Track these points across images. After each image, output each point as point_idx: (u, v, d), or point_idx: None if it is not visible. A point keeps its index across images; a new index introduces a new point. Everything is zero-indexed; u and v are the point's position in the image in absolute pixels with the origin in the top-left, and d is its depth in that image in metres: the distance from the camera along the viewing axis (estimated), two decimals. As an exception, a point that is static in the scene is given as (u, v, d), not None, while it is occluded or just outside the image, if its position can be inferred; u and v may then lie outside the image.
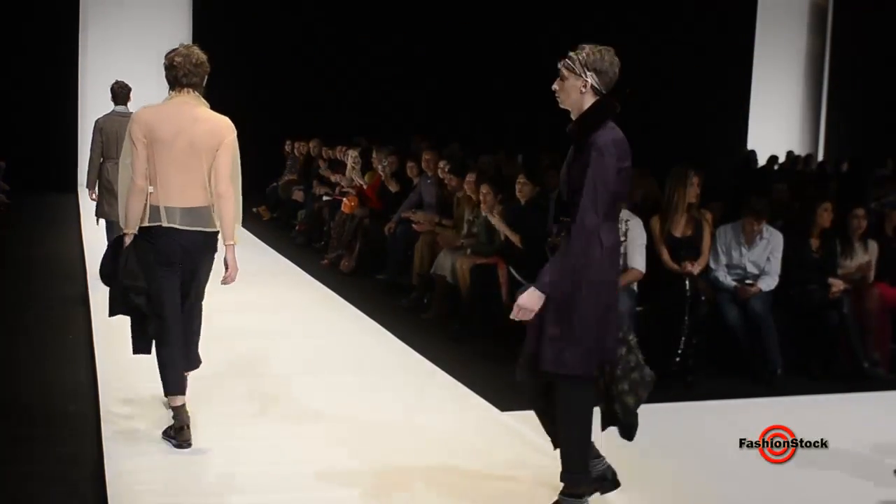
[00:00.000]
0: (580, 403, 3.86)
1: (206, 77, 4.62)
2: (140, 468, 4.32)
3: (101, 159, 7.74)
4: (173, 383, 4.60)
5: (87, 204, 11.94)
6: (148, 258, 4.46)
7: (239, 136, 4.56)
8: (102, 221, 7.90)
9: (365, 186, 10.13)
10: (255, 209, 13.12)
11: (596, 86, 3.82)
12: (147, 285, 4.43)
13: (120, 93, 7.90)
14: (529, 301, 3.83)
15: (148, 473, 4.28)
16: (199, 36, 15.84)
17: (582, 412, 3.87)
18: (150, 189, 4.43)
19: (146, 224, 4.47)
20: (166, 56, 4.62)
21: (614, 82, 3.86)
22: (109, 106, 7.96)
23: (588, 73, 3.81)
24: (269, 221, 12.79)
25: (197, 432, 4.67)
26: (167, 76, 4.61)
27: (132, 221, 4.47)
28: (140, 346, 4.69)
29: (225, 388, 5.50)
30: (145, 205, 4.45)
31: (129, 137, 4.50)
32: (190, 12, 16.12)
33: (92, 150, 7.82)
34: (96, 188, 7.82)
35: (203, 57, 4.59)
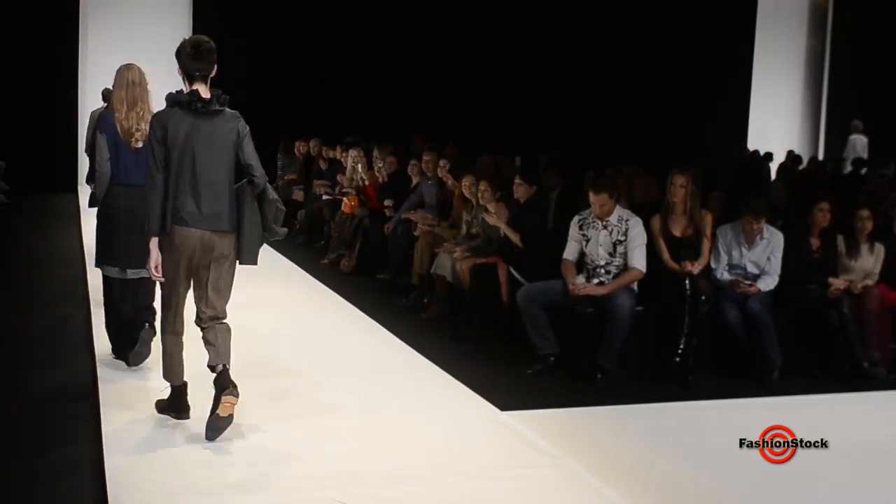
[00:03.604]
0: None
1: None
2: (140, 468, 4.32)
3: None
4: None
5: (86, 203, 11.97)
6: None
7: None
8: None
9: (367, 183, 10.15)
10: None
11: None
12: None
13: (107, 95, 11.08)
14: None
15: (148, 473, 4.28)
16: (198, 36, 15.84)
17: None
18: None
19: None
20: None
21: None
22: (108, 105, 9.04)
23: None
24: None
25: (198, 431, 4.69)
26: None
27: None
28: None
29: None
30: None
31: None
32: (190, 13, 16.12)
33: (88, 128, 10.21)
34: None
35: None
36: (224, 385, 4.61)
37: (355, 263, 9.43)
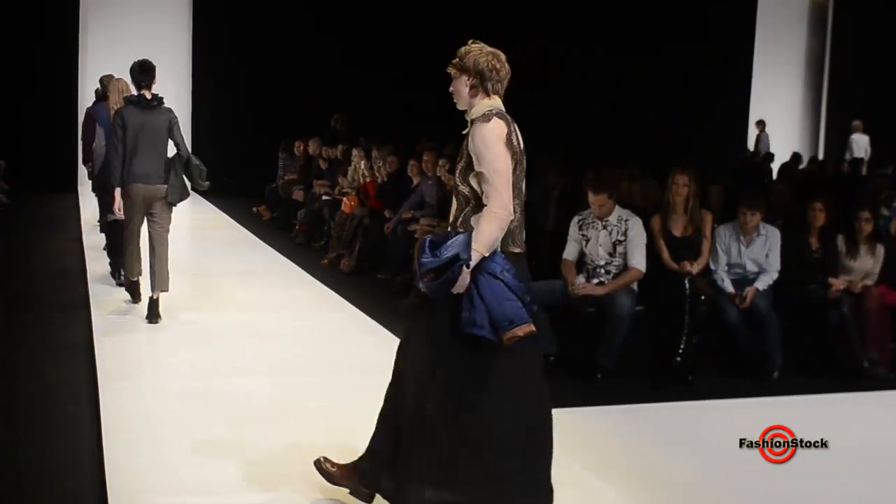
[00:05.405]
0: None
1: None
2: (140, 468, 4.32)
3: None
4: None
5: (87, 203, 11.98)
6: None
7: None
8: None
9: (368, 179, 10.14)
10: (255, 209, 13.11)
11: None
12: None
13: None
14: None
15: (148, 473, 4.28)
16: (198, 36, 15.84)
17: None
18: None
19: None
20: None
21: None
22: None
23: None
24: (269, 221, 12.80)
25: (198, 431, 4.69)
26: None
27: None
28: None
29: (225, 388, 5.50)
30: None
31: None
32: (190, 13, 16.10)
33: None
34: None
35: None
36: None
37: (355, 263, 9.43)
